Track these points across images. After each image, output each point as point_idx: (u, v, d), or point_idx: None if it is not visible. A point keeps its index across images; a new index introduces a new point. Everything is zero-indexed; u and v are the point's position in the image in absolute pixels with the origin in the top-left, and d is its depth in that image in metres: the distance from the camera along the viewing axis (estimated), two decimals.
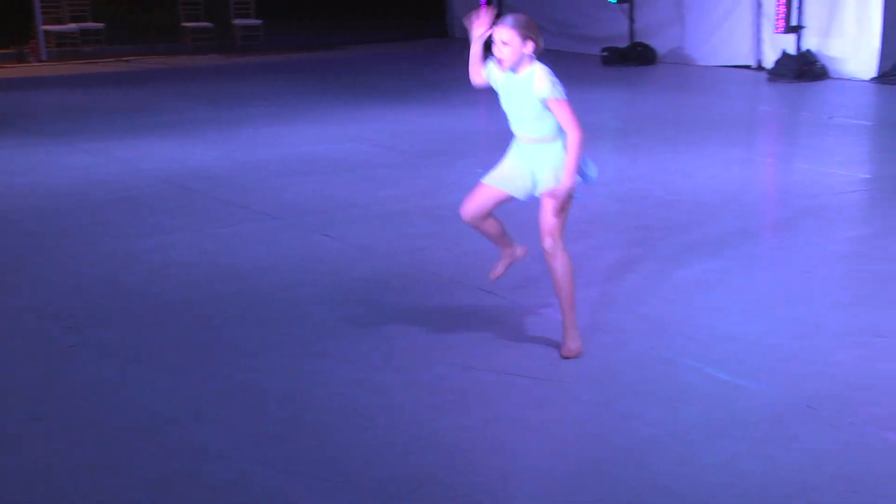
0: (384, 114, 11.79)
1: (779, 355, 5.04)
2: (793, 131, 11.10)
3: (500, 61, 5.03)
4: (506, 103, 5.14)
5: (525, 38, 4.94)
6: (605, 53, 15.61)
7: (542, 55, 4.93)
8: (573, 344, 5.09)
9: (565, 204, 4.96)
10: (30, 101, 13.57)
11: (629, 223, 7.34)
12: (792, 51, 13.65)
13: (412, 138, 10.40)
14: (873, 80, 13.06)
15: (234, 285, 6.24)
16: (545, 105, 4.95)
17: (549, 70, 4.98)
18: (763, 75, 14.01)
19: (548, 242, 4.99)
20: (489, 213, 5.26)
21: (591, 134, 10.48)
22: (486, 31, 5.06)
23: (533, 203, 5.08)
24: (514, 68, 5.00)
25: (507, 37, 4.93)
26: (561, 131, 4.99)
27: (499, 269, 5.55)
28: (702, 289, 5.99)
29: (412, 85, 14.07)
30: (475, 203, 5.22)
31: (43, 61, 16.90)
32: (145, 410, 4.57)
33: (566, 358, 5.06)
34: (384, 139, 10.42)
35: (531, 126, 5.04)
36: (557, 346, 5.11)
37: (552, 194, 4.94)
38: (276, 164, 9.37)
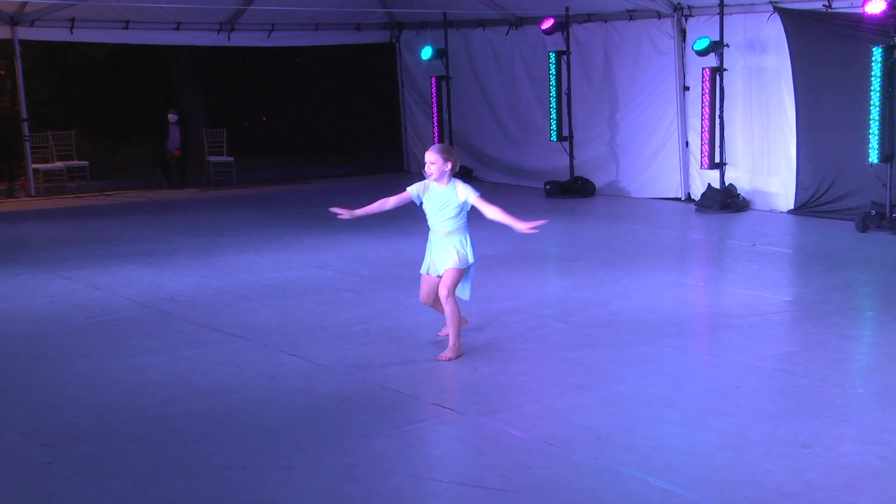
0: (345, 242, 11.81)
1: (712, 465, 5.02)
2: (720, 257, 11.24)
3: (428, 175, 6.71)
4: (429, 208, 6.83)
5: (445, 160, 6.70)
6: (548, 187, 15.83)
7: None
8: (450, 353, 6.83)
9: (460, 273, 6.79)
10: (17, 233, 13.47)
11: (572, 342, 7.35)
12: (717, 185, 13.93)
13: (371, 264, 10.42)
14: (790, 211, 13.32)
15: (206, 402, 6.15)
16: (465, 206, 6.74)
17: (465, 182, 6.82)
18: (691, 206, 14.23)
19: (443, 293, 6.79)
20: (436, 295, 6.95)
21: (538, 259, 10.67)
22: (356, 214, 7.20)
23: None
24: (437, 181, 6.73)
25: (432, 158, 6.68)
26: (464, 227, 6.81)
27: (444, 331, 7.23)
28: (640, 402, 5.99)
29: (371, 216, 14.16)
30: (425, 290, 7.06)
31: (31, 196, 16.86)
32: None
33: (440, 359, 6.81)
34: (345, 265, 10.43)
35: (447, 223, 6.79)
36: (509, 457, 5.06)
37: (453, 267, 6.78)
38: (245, 289, 9.33)
